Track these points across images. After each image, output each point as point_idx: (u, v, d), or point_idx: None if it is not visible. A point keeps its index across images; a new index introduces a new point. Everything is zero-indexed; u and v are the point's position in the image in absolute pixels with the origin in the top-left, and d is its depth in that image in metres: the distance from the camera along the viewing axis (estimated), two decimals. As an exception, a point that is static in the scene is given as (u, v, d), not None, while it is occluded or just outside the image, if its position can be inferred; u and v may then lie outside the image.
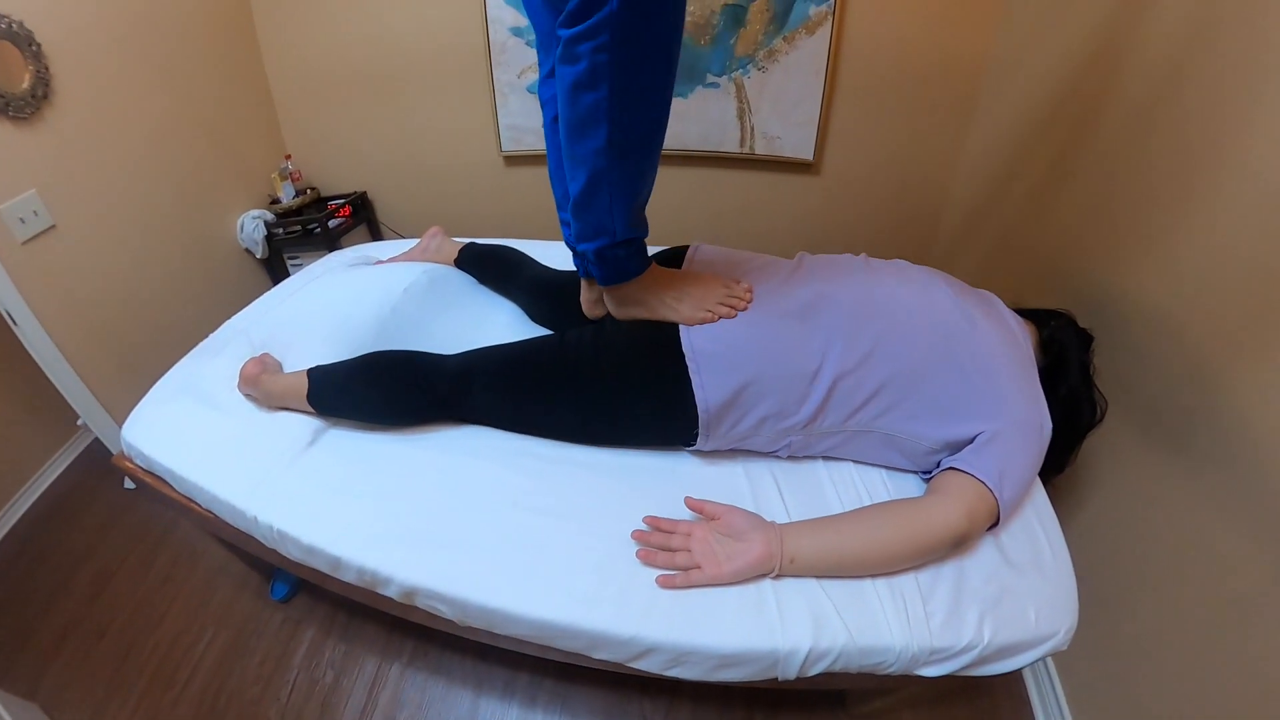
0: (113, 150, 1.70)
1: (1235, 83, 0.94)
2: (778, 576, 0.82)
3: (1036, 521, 0.94)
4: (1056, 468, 1.07)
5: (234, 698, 1.31)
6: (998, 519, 0.84)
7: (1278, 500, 0.81)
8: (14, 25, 1.39)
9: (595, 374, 0.95)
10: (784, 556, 0.80)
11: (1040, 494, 1.00)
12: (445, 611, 0.87)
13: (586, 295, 1.07)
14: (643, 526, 0.87)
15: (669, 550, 0.83)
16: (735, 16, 1.76)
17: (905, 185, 2.02)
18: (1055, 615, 0.83)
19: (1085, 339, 1.09)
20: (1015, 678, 1.34)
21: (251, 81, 2.18)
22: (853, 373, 0.88)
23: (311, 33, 2.10)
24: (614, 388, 0.95)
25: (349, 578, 0.92)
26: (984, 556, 0.87)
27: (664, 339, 0.92)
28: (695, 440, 0.95)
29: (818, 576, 0.82)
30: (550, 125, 0.99)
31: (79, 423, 1.74)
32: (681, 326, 0.92)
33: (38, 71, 1.46)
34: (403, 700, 1.29)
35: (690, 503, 0.87)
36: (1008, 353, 0.92)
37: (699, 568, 0.81)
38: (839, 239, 2.12)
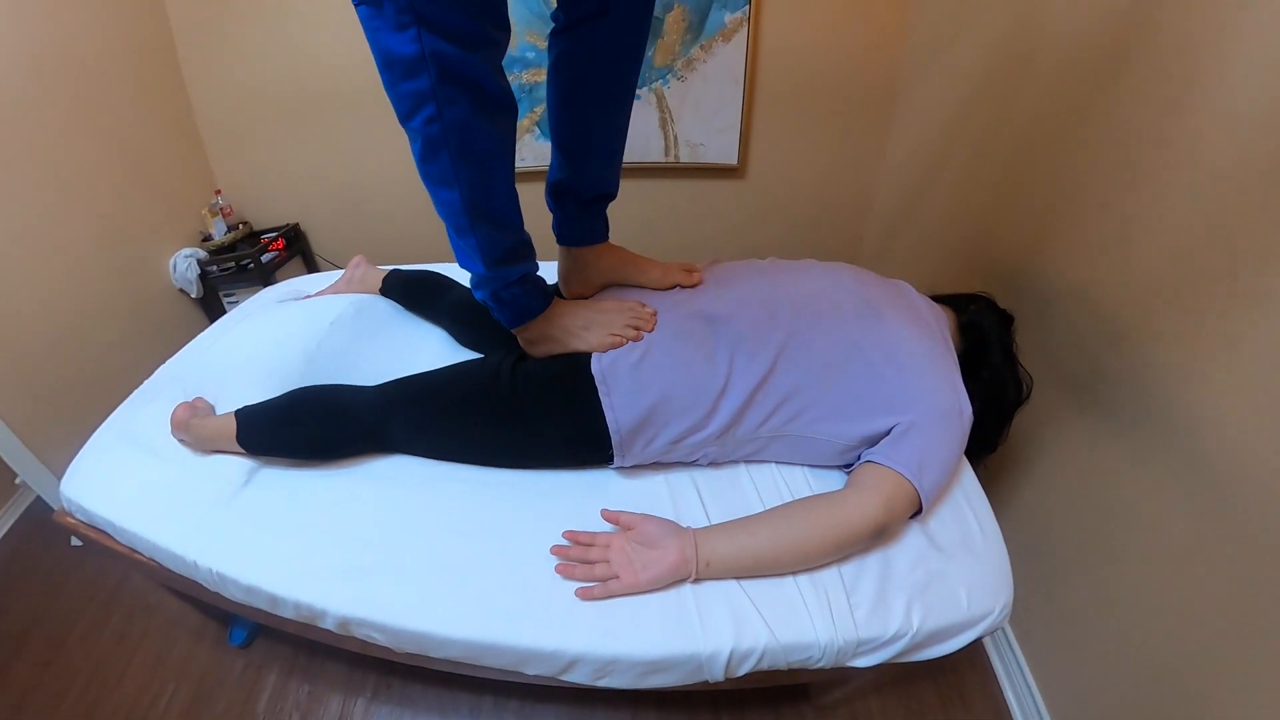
0: (33, 195, 1.65)
1: (1134, 66, 0.99)
2: (696, 580, 0.83)
3: (965, 503, 0.96)
4: (988, 447, 1.09)
5: (200, 750, 1.30)
6: (920, 507, 0.86)
7: (1201, 455, 0.87)
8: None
9: (511, 401, 0.97)
10: (699, 561, 0.82)
11: (969, 475, 1.02)
12: (380, 639, 0.88)
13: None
14: (564, 542, 0.89)
15: (588, 563, 0.85)
16: (652, 28, 1.78)
17: (831, 183, 2.07)
18: (989, 594, 0.85)
19: (1006, 319, 1.10)
20: (978, 652, 1.38)
21: (177, 115, 2.14)
22: (760, 383, 0.89)
23: (236, 66, 2.07)
24: (529, 414, 0.97)
25: (288, 614, 0.93)
26: (910, 544, 0.89)
27: (576, 363, 0.94)
28: (611, 460, 0.97)
29: (736, 578, 0.84)
30: None
31: (17, 481, 1.70)
32: (595, 355, 0.94)
33: (-57, 119, 1.42)
34: (370, 734, 1.30)
35: (606, 515, 0.89)
36: (919, 342, 0.94)
37: (617, 578, 0.82)
38: (768, 241, 2.17)
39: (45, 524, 1.87)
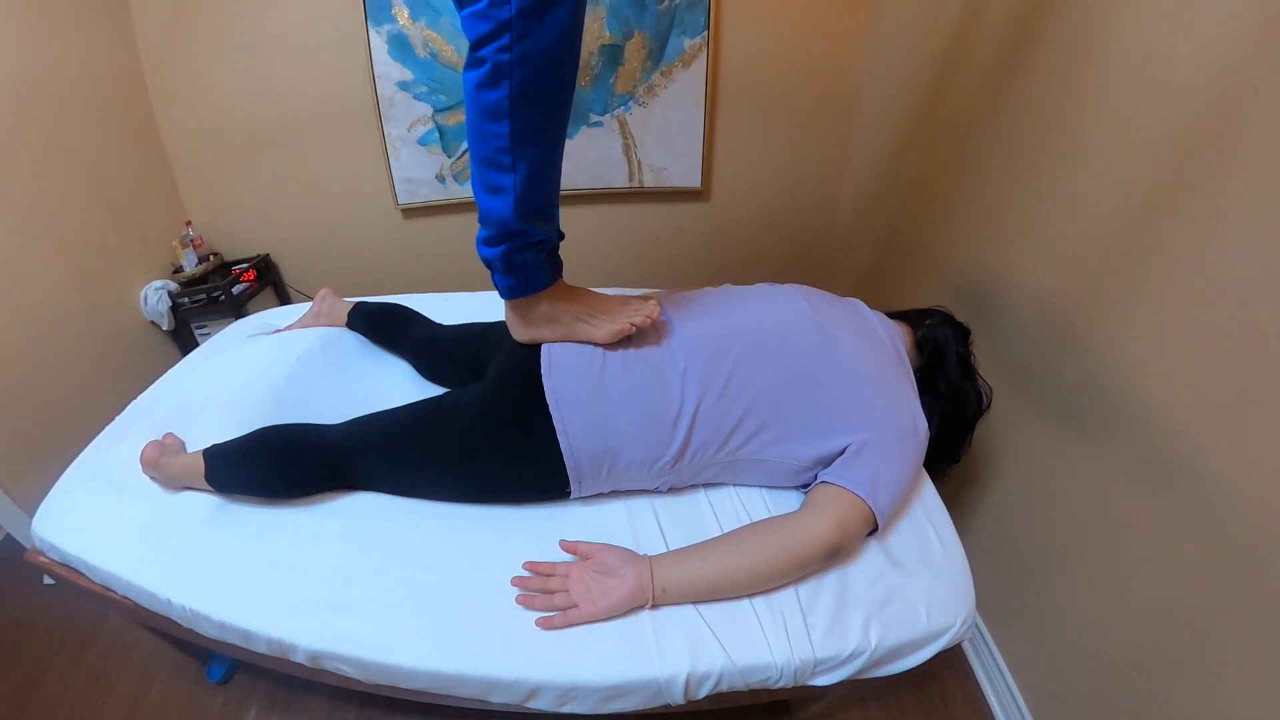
0: (6, 227, 1.64)
1: (1081, 66, 1.04)
2: (654, 607, 0.85)
3: (925, 518, 0.98)
4: (951, 458, 1.12)
5: (179, 789, 1.29)
6: (876, 525, 0.88)
7: (1161, 456, 0.90)
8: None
9: (469, 437, 0.98)
10: (655, 587, 0.84)
11: (929, 490, 1.03)
12: (350, 672, 0.90)
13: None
14: (524, 573, 0.91)
15: (547, 593, 0.87)
16: (613, 56, 1.84)
17: (795, 200, 2.12)
18: (949, 608, 0.87)
19: (962, 332, 1.13)
20: (959, 658, 1.41)
21: (146, 145, 2.15)
22: (713, 407, 0.91)
23: (206, 96, 2.09)
24: (487, 448, 0.98)
25: (261, 649, 0.94)
26: (868, 561, 0.91)
27: (530, 396, 0.94)
28: (570, 493, 0.99)
29: (693, 602, 0.86)
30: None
31: None
32: (543, 372, 0.95)
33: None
34: (349, 766, 1.30)
35: (564, 545, 0.92)
36: (871, 360, 0.96)
37: (576, 607, 0.84)
38: (734, 260, 2.22)
39: (17, 563, 1.82)
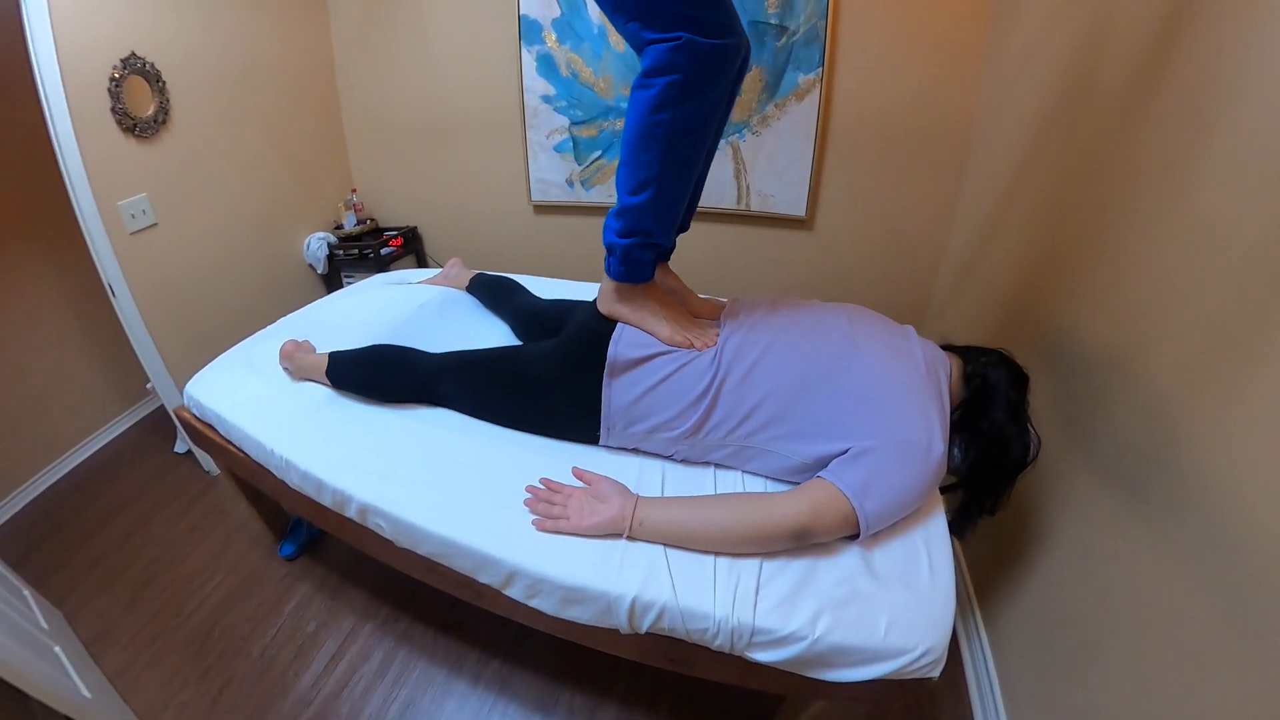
0: (211, 170, 2.05)
1: (1183, 128, 0.96)
2: (631, 537, 0.95)
3: (923, 544, 0.94)
4: (987, 510, 1.05)
5: (227, 632, 1.51)
6: (858, 529, 0.88)
7: (1229, 552, 0.77)
8: (147, 65, 1.77)
9: (531, 376, 1.16)
10: (634, 520, 0.94)
11: (938, 521, 0.99)
12: (384, 528, 1.07)
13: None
14: (539, 486, 1.06)
15: (550, 503, 1.01)
16: (732, 88, 1.99)
17: (897, 239, 2.11)
18: (913, 632, 0.82)
19: (1018, 377, 1.07)
20: None
21: (329, 125, 2.59)
22: (734, 388, 1.00)
23: (381, 89, 2.49)
24: (543, 386, 1.15)
25: (326, 500, 1.15)
26: (843, 560, 0.91)
27: (595, 347, 1.08)
28: (599, 439, 1.13)
29: (664, 543, 0.94)
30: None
31: (148, 385, 2.00)
32: (612, 340, 1.07)
33: (161, 102, 1.82)
34: (369, 655, 1.45)
35: (575, 471, 1.07)
36: (895, 376, 0.97)
37: (567, 519, 0.98)
38: (832, 290, 2.23)
39: (159, 430, 2.24)
